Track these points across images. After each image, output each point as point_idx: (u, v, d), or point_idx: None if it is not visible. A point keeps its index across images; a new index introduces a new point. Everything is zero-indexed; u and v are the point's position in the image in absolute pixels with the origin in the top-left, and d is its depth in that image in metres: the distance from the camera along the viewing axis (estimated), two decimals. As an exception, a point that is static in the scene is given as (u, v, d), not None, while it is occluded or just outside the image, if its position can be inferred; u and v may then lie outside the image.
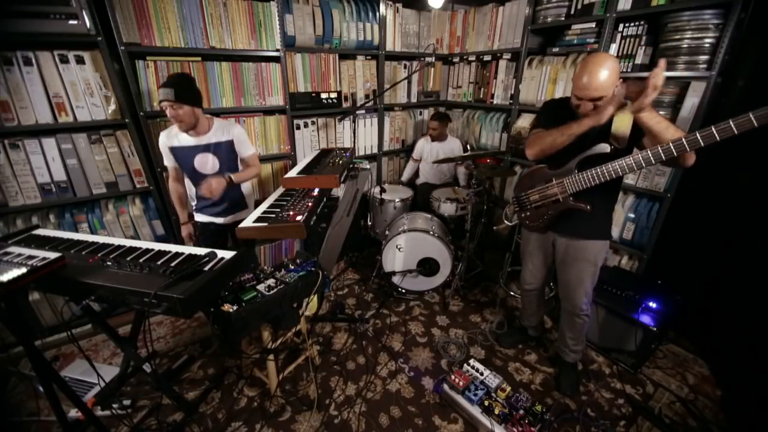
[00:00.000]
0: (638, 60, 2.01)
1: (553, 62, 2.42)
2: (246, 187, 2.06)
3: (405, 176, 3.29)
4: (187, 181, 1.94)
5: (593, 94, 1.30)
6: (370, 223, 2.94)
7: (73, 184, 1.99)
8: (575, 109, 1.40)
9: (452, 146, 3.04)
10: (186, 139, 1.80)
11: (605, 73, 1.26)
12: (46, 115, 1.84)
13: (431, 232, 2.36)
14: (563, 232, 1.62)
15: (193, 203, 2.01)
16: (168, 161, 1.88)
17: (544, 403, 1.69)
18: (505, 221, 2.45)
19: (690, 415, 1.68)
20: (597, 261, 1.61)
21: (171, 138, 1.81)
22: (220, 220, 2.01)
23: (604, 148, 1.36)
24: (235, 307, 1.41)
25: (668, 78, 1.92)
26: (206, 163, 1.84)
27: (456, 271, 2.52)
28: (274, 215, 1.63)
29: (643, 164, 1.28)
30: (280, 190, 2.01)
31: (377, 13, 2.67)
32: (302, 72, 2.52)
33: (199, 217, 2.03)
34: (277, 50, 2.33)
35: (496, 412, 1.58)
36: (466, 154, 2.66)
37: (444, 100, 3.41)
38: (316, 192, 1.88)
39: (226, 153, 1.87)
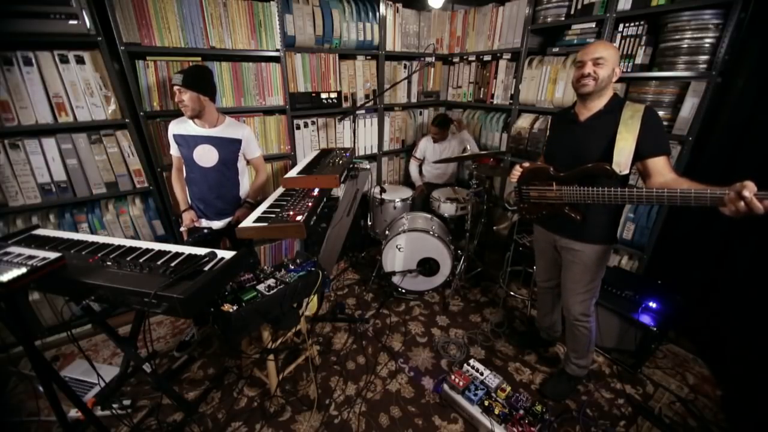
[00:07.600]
0: (638, 60, 2.00)
1: (553, 62, 2.42)
2: (243, 190, 2.07)
3: (414, 178, 3.20)
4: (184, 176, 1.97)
5: (593, 54, 1.36)
6: (370, 223, 2.94)
7: (73, 184, 1.99)
8: (575, 84, 1.42)
9: (460, 141, 2.98)
10: (192, 128, 1.85)
11: (607, 44, 1.41)
12: (46, 115, 1.84)
13: (431, 232, 2.36)
14: (559, 232, 1.60)
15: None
16: (173, 149, 1.93)
17: (544, 403, 1.69)
18: (507, 205, 2.56)
19: (690, 415, 1.68)
20: (593, 266, 1.54)
21: (178, 126, 1.87)
22: (216, 224, 1.99)
23: (605, 167, 1.33)
24: (235, 307, 1.42)
25: (668, 78, 1.92)
26: (205, 155, 1.87)
27: (456, 271, 2.52)
28: (274, 215, 1.62)
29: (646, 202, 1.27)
30: (280, 190, 2.00)
31: (377, 13, 2.67)
32: (302, 72, 2.52)
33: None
34: (277, 50, 2.34)
35: (496, 412, 1.58)
36: (465, 154, 2.65)
37: (444, 100, 3.41)
38: (316, 192, 1.88)
39: (230, 150, 1.92)
